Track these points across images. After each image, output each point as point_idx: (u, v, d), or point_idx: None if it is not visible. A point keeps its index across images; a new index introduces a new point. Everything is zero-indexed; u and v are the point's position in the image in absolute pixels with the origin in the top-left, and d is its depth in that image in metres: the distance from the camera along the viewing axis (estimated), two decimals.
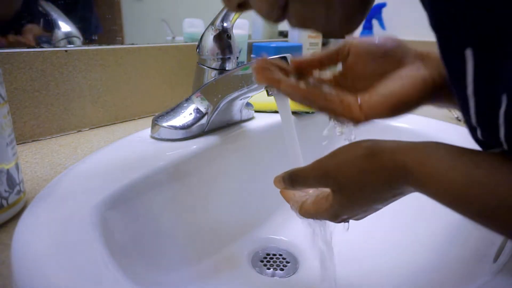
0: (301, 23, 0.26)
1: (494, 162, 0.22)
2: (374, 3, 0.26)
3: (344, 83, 0.34)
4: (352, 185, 0.28)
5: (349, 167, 0.28)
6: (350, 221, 0.32)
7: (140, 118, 0.67)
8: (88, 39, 0.61)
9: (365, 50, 0.33)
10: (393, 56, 0.32)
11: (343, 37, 0.28)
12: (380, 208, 0.30)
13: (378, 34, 0.34)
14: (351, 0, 0.25)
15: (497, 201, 0.21)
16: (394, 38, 0.33)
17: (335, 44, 0.35)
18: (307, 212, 0.33)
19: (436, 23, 0.21)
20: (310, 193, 0.35)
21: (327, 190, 0.31)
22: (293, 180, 0.32)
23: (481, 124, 0.22)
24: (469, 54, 0.20)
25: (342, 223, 0.32)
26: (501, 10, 0.18)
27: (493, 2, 0.18)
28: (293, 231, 0.54)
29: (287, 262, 0.50)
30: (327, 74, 0.35)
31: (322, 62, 0.34)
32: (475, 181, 0.22)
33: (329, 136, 0.37)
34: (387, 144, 0.27)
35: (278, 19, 0.26)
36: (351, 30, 0.27)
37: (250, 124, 0.57)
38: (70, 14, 0.59)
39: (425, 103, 0.30)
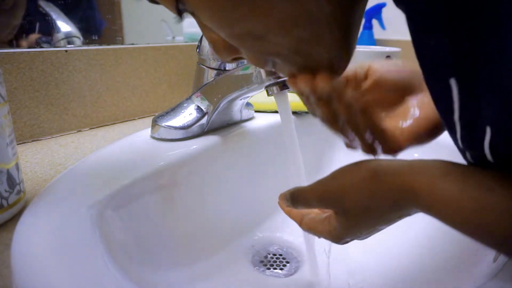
0: (288, 75, 0.28)
1: (505, 185, 0.22)
2: (356, 44, 0.27)
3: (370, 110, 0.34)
4: (358, 209, 0.28)
5: (355, 190, 0.27)
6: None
7: (140, 118, 0.67)
8: (88, 39, 0.61)
9: (385, 77, 0.34)
10: (412, 83, 0.33)
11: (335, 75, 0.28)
12: (384, 228, 0.30)
13: (395, 62, 0.35)
14: (332, 48, 0.25)
15: (505, 224, 0.21)
16: (408, 66, 0.35)
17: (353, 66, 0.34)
18: (308, 227, 0.33)
19: (419, 53, 0.22)
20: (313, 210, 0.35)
21: (329, 210, 0.31)
22: (294, 200, 0.32)
23: (469, 149, 0.23)
24: (453, 83, 0.21)
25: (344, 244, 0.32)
26: (473, 44, 0.18)
27: (466, 35, 0.19)
28: (293, 231, 0.54)
29: (287, 262, 0.50)
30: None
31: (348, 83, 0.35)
32: (487, 208, 0.22)
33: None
34: (393, 165, 0.27)
35: (270, 70, 0.29)
36: (339, 73, 0.28)
37: (250, 124, 0.57)
38: (71, 13, 0.59)
39: None
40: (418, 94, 0.33)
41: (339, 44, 0.25)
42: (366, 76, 0.35)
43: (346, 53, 0.26)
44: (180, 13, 0.26)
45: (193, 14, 0.26)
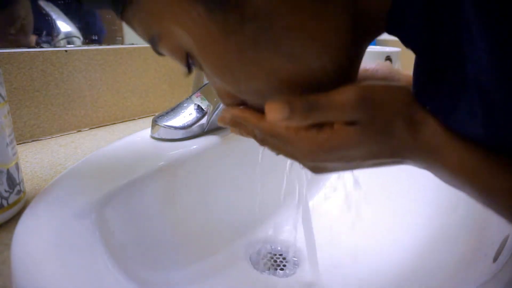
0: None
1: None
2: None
3: None
4: (383, 125, 0.24)
5: (396, 101, 0.24)
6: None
7: (140, 118, 0.67)
8: (88, 39, 0.61)
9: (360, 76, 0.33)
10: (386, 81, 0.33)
11: None
12: (359, 167, 0.27)
13: (375, 61, 0.35)
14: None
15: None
16: (387, 64, 0.34)
17: None
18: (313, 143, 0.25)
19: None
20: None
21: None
22: (312, 106, 0.24)
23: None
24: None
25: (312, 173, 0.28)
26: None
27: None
28: (293, 231, 0.54)
29: (287, 262, 0.50)
30: None
31: None
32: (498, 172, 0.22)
33: None
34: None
35: None
36: None
37: None
38: (71, 14, 0.59)
39: None
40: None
41: None
42: (371, 72, 0.34)
43: None
44: (189, 67, 0.26)
45: (201, 68, 0.27)
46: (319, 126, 0.25)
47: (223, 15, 0.22)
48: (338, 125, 0.24)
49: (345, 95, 0.23)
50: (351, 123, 0.24)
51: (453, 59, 0.21)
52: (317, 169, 0.28)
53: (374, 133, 0.24)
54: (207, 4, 0.22)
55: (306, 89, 0.24)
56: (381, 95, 0.23)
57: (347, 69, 0.25)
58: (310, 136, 0.25)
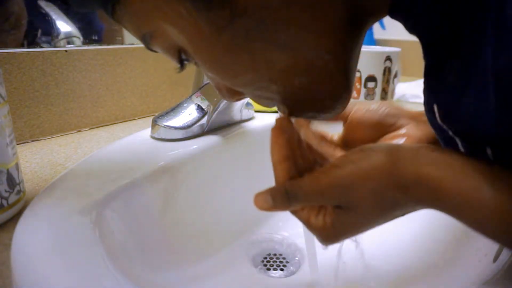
0: (289, 114, 0.28)
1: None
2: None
3: (345, 148, 0.36)
4: (369, 203, 0.24)
5: (371, 177, 0.24)
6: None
7: (140, 118, 0.67)
8: (88, 39, 0.61)
9: (363, 117, 0.35)
10: (388, 120, 0.34)
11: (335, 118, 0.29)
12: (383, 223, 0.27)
13: (376, 101, 0.38)
14: (333, 90, 0.26)
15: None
16: (388, 103, 0.36)
17: None
18: (307, 223, 0.28)
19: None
20: None
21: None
22: (290, 197, 0.26)
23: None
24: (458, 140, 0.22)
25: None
26: None
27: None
28: (293, 231, 0.54)
29: (287, 262, 0.50)
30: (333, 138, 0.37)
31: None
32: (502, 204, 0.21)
33: None
34: (407, 154, 0.24)
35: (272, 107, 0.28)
36: (341, 110, 0.28)
37: (250, 124, 0.57)
38: (71, 14, 0.59)
39: None
40: (393, 131, 0.34)
41: (340, 86, 0.26)
42: (346, 119, 0.36)
43: (346, 91, 0.27)
44: (182, 64, 0.27)
45: (196, 64, 0.27)
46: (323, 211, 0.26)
47: (211, 12, 0.22)
48: (332, 211, 0.26)
49: (313, 186, 0.25)
50: (336, 207, 0.25)
51: (465, 42, 0.20)
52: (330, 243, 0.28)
53: (364, 208, 0.25)
54: (196, 3, 0.22)
55: (302, 77, 0.24)
56: (351, 180, 0.24)
57: (344, 56, 0.25)
58: (316, 225, 0.26)
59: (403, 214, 0.25)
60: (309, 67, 0.24)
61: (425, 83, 0.25)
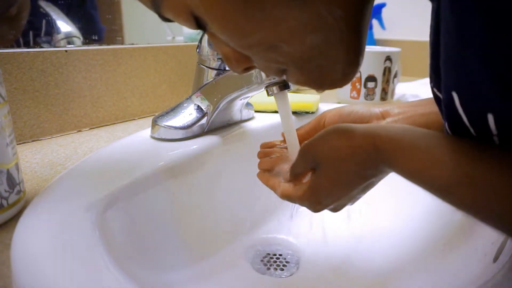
0: (299, 84, 0.29)
1: (455, 143, 0.24)
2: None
3: None
4: (331, 162, 0.29)
5: (327, 142, 0.30)
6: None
7: (140, 118, 0.67)
8: (88, 39, 0.61)
9: (337, 118, 0.39)
10: (361, 120, 0.39)
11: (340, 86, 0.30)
12: (356, 198, 0.33)
13: (347, 105, 0.40)
14: (345, 53, 0.26)
15: (456, 179, 0.23)
16: (360, 105, 0.40)
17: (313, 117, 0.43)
18: (286, 193, 0.34)
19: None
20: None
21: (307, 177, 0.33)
22: (293, 171, 0.34)
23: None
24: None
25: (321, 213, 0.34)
26: None
27: None
28: (293, 231, 0.54)
29: (287, 262, 0.50)
30: None
31: (309, 134, 0.40)
32: (438, 161, 0.24)
33: None
34: (359, 126, 0.29)
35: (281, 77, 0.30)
36: (346, 83, 0.29)
37: (250, 124, 0.57)
38: (72, 14, 0.59)
39: None
40: None
41: (351, 48, 0.26)
42: (323, 125, 0.40)
43: (357, 56, 0.27)
44: (200, 26, 0.26)
45: (205, 29, 0.26)
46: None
47: None
48: (310, 176, 0.32)
49: (297, 156, 0.33)
50: (312, 169, 0.32)
51: None
52: (318, 207, 0.33)
53: (327, 172, 0.30)
54: None
55: (314, 36, 0.24)
56: (315, 143, 0.31)
57: (356, 16, 0.25)
58: (299, 194, 0.33)
59: (369, 180, 0.30)
60: (320, 26, 0.24)
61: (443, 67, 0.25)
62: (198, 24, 0.26)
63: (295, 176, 0.34)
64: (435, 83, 0.27)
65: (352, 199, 0.33)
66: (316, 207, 0.33)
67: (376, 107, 0.40)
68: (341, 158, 0.29)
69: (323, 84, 0.28)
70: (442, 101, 0.25)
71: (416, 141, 0.25)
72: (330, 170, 0.30)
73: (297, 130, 0.40)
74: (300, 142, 0.39)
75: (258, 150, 0.42)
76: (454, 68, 0.22)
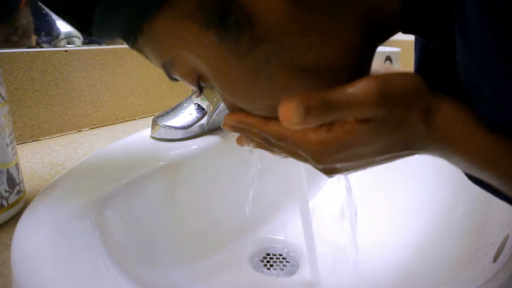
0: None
1: None
2: None
3: None
4: (399, 120, 0.22)
5: (413, 90, 0.22)
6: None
7: (140, 118, 0.67)
8: (88, 39, 0.61)
9: None
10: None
11: None
12: (370, 165, 0.26)
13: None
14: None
15: None
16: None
17: None
18: (298, 141, 0.25)
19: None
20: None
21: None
22: (329, 107, 0.22)
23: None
24: None
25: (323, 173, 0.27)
26: None
27: None
28: (293, 231, 0.54)
29: (287, 262, 0.50)
30: None
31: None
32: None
33: None
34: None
35: None
36: None
37: None
38: None
39: None
40: None
41: None
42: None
43: None
44: (201, 89, 0.27)
45: (213, 88, 0.27)
46: (329, 125, 0.23)
47: (234, 40, 0.22)
48: (349, 125, 0.23)
49: (365, 91, 0.21)
50: (364, 120, 0.22)
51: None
52: (329, 171, 0.26)
53: (387, 129, 0.23)
54: (218, 32, 0.22)
55: None
56: (400, 87, 0.22)
57: (359, 77, 0.25)
58: (319, 138, 0.23)
59: (408, 149, 0.24)
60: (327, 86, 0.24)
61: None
62: (206, 84, 0.27)
63: (325, 119, 0.23)
64: None
65: (369, 165, 0.26)
66: (322, 160, 0.25)
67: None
68: (418, 114, 0.22)
69: None
70: None
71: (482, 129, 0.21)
72: (391, 128, 0.23)
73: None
74: None
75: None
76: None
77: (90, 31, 0.25)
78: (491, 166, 0.21)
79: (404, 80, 0.22)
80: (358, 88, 0.21)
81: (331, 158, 0.24)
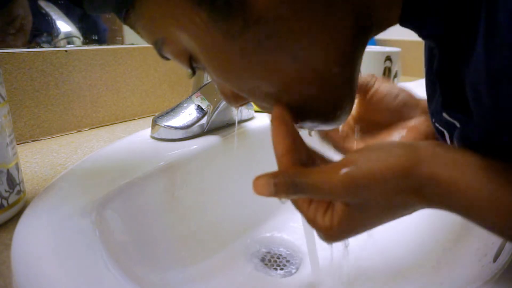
0: (294, 122, 0.27)
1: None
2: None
3: (360, 123, 0.38)
4: (383, 205, 0.24)
5: (387, 183, 0.23)
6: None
7: (140, 118, 0.67)
8: (88, 39, 0.61)
9: (382, 100, 0.36)
10: (404, 111, 0.36)
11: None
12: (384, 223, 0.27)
13: (394, 83, 0.38)
14: (338, 100, 0.26)
15: None
16: (406, 90, 0.37)
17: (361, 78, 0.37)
18: (311, 219, 0.26)
19: None
20: None
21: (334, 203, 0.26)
22: (296, 186, 0.24)
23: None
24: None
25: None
26: None
27: None
28: (294, 230, 0.54)
29: (287, 262, 0.50)
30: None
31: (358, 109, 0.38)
32: (503, 202, 0.22)
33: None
34: (423, 153, 0.24)
35: None
36: (338, 125, 0.29)
37: (250, 124, 0.57)
38: (71, 14, 0.59)
39: None
40: (406, 121, 0.36)
41: (344, 96, 0.26)
42: (365, 94, 0.37)
43: (350, 102, 0.27)
44: (193, 70, 0.27)
45: (204, 69, 0.27)
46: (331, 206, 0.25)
47: (226, 21, 0.22)
48: (341, 208, 0.24)
49: (324, 179, 0.23)
50: (347, 204, 0.24)
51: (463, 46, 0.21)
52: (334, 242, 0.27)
53: (375, 208, 0.24)
54: (210, 11, 0.22)
55: (310, 87, 0.25)
56: (367, 180, 0.23)
57: (350, 67, 0.25)
58: (325, 225, 0.25)
59: (411, 213, 0.25)
60: (316, 78, 0.24)
61: (441, 88, 0.26)
62: (198, 65, 0.27)
63: (293, 196, 0.25)
64: (437, 118, 0.27)
65: (374, 227, 0.27)
66: (333, 241, 0.26)
67: (419, 98, 0.37)
68: (394, 205, 0.24)
69: (316, 126, 0.29)
70: (463, 140, 0.25)
71: (472, 182, 0.22)
72: (375, 215, 0.25)
73: None
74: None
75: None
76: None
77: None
78: (485, 217, 0.23)
79: (372, 173, 0.23)
80: (323, 178, 0.23)
81: (339, 238, 0.26)
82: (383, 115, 0.37)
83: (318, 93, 0.25)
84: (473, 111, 0.22)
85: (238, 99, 0.29)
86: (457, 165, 0.23)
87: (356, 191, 0.23)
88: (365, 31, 0.25)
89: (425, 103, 0.33)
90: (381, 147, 0.24)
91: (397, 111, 0.36)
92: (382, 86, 0.37)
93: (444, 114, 0.26)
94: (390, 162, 0.23)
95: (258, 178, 0.24)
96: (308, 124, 0.28)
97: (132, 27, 0.26)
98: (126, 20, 0.26)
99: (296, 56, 0.23)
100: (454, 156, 0.23)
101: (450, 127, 0.27)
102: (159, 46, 0.26)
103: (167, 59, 0.28)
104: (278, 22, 0.22)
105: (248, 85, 0.25)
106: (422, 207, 0.24)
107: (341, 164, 0.24)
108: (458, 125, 0.25)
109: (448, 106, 0.26)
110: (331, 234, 0.25)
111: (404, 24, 0.25)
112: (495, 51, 0.19)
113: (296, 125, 0.27)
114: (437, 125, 0.28)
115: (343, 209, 0.24)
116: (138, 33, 0.27)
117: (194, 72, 0.27)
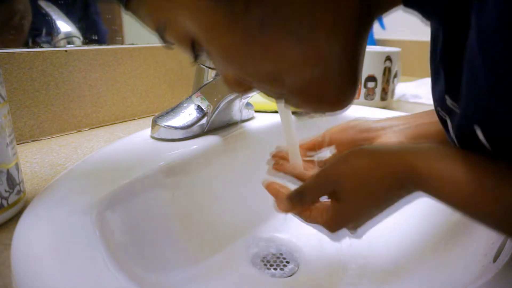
0: (297, 108, 0.30)
1: (498, 169, 0.24)
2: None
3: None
4: (358, 189, 0.29)
5: (355, 171, 0.29)
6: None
7: (140, 118, 0.67)
8: (88, 39, 0.61)
9: (342, 133, 0.41)
10: (368, 131, 0.39)
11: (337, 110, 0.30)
12: (376, 216, 0.31)
13: (352, 118, 0.43)
14: (341, 84, 0.26)
15: (502, 207, 0.23)
16: (354, 120, 0.41)
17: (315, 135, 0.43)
18: (312, 220, 0.33)
19: None
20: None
21: (327, 203, 0.32)
22: (302, 196, 0.32)
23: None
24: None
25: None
26: None
27: None
28: (294, 230, 0.54)
29: (287, 262, 0.50)
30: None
31: (311, 149, 0.42)
32: (484, 188, 0.24)
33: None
34: (392, 149, 0.29)
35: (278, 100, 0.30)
36: (343, 109, 0.29)
37: (250, 124, 0.57)
38: (71, 14, 0.59)
39: None
40: (374, 140, 0.39)
41: (348, 79, 0.26)
42: (328, 142, 0.41)
43: (354, 85, 0.27)
44: (196, 55, 0.27)
45: (207, 54, 0.27)
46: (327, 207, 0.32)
47: (228, 2, 0.22)
48: (330, 204, 0.32)
49: (313, 182, 0.32)
50: (333, 197, 0.31)
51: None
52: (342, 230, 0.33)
53: (351, 198, 0.29)
54: None
55: (313, 69, 0.24)
56: (338, 174, 0.30)
57: (354, 49, 0.25)
58: (324, 220, 0.32)
59: (397, 197, 0.29)
60: (320, 59, 0.24)
61: (445, 76, 0.26)
62: (201, 50, 0.26)
63: (303, 202, 0.33)
64: (441, 105, 0.28)
65: (372, 217, 0.32)
66: (335, 230, 0.32)
67: (376, 122, 0.41)
68: (368, 182, 0.28)
69: (320, 110, 0.29)
70: (459, 128, 0.26)
71: (454, 167, 0.25)
72: (356, 195, 0.29)
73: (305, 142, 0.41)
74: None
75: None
76: (481, 102, 0.22)
77: None
78: (465, 206, 0.25)
79: (337, 165, 0.30)
80: (309, 180, 0.32)
81: (337, 227, 0.32)
82: (350, 146, 0.40)
83: (321, 75, 0.25)
84: (469, 92, 0.23)
85: (241, 85, 0.29)
86: (438, 157, 0.26)
87: (335, 184, 0.30)
88: (369, 11, 0.25)
89: (377, 123, 0.39)
90: (353, 149, 0.30)
91: (357, 139, 0.40)
92: (333, 128, 0.41)
93: (447, 98, 0.27)
94: (358, 161, 0.29)
95: (278, 202, 0.34)
96: (311, 109, 0.28)
97: (134, 12, 0.26)
98: (128, 6, 0.26)
99: (299, 36, 0.23)
100: (437, 149, 0.27)
101: (451, 114, 0.27)
102: (162, 31, 0.26)
103: (170, 44, 0.27)
104: (280, 1, 0.22)
105: (251, 67, 0.25)
106: (401, 192, 0.28)
107: (323, 166, 0.31)
108: (458, 110, 0.25)
109: (450, 91, 0.26)
110: (330, 226, 0.32)
111: (407, 3, 0.25)
112: (486, 16, 0.19)
113: (300, 111, 0.29)
114: (440, 113, 0.29)
115: (334, 205, 0.31)
116: (140, 18, 0.26)
117: (196, 58, 0.27)
